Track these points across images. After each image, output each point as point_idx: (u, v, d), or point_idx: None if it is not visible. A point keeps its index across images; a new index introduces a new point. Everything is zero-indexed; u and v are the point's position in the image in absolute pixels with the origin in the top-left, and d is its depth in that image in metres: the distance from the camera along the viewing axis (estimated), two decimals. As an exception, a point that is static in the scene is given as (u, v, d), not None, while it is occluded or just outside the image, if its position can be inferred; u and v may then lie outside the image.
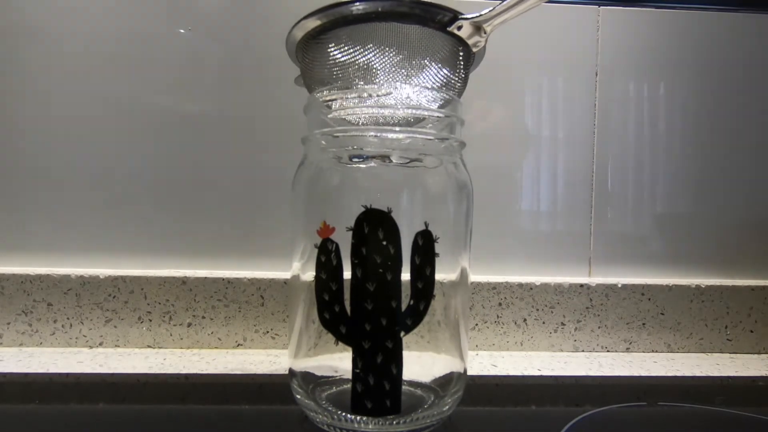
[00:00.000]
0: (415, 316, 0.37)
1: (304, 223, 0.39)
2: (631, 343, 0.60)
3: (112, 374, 0.50)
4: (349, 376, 0.36)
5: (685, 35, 0.63)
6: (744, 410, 0.45)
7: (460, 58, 0.41)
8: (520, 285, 0.59)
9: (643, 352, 0.61)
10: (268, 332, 0.58)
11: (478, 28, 0.40)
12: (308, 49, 0.41)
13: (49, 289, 0.56)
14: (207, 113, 0.59)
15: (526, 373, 0.53)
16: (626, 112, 0.63)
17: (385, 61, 0.38)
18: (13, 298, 0.56)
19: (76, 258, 0.58)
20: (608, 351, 0.60)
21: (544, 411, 0.46)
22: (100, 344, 0.57)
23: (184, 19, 0.59)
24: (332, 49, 0.40)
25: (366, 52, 0.39)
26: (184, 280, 0.57)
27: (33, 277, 0.56)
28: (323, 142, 0.39)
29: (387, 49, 0.38)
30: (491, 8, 0.39)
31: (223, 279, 0.57)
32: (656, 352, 0.61)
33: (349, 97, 0.38)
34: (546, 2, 0.40)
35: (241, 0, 0.59)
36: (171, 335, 0.57)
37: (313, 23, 0.39)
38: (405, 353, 0.36)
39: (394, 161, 0.38)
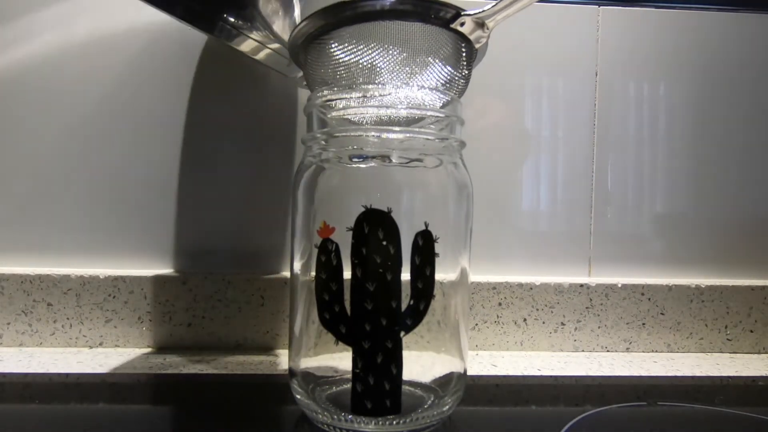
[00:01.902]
0: (415, 316, 0.37)
1: (304, 223, 0.39)
2: (631, 343, 0.60)
3: (112, 374, 0.50)
4: (349, 376, 0.36)
5: (685, 35, 0.63)
6: (744, 410, 0.45)
7: (463, 55, 0.41)
8: (520, 285, 0.59)
9: (643, 352, 0.61)
10: (268, 332, 0.58)
11: (480, 24, 0.40)
12: (310, 51, 0.41)
13: (49, 289, 0.56)
14: (206, 114, 0.59)
15: (526, 373, 0.53)
16: (626, 112, 0.63)
17: (389, 59, 0.38)
18: (13, 298, 0.56)
19: (76, 258, 0.58)
20: (608, 351, 0.60)
21: (544, 411, 0.46)
22: (100, 344, 0.57)
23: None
24: (335, 50, 0.40)
25: (369, 52, 0.39)
26: (184, 280, 0.57)
27: (33, 277, 0.56)
28: (323, 142, 0.39)
29: (390, 47, 0.38)
30: (494, 4, 0.39)
31: (223, 279, 0.57)
32: (656, 352, 0.61)
33: (350, 96, 0.38)
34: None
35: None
36: (171, 335, 0.57)
37: (315, 24, 0.39)
38: (405, 353, 0.36)
39: (394, 161, 0.38)
